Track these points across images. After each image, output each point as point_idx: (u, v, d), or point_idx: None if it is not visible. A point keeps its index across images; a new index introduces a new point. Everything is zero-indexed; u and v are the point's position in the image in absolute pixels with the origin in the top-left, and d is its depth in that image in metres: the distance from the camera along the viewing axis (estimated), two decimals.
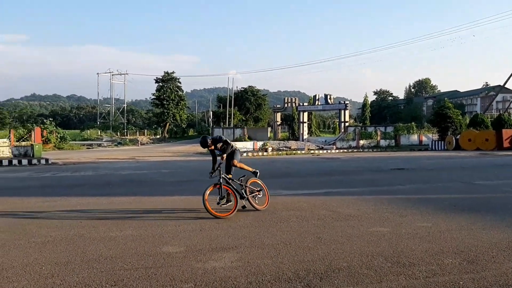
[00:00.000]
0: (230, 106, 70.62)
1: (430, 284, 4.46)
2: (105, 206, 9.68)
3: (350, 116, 70.11)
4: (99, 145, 52.28)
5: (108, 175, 17.15)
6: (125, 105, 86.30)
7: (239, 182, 8.59)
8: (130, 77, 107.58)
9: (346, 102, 52.03)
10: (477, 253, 5.52)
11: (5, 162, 23.48)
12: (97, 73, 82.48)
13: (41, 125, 41.18)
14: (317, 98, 52.52)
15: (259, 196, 8.78)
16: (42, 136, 35.46)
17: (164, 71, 71.98)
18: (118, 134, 71.46)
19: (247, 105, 76.33)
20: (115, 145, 52.87)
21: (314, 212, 8.50)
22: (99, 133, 70.01)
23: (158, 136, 72.59)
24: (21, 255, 5.65)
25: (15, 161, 23.80)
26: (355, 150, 38.80)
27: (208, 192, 7.94)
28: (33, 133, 30.45)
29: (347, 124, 51.18)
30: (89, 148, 46.00)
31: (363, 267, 5.02)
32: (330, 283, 4.53)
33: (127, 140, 60.41)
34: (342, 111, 50.39)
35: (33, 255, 5.67)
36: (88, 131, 70.94)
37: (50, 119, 56.09)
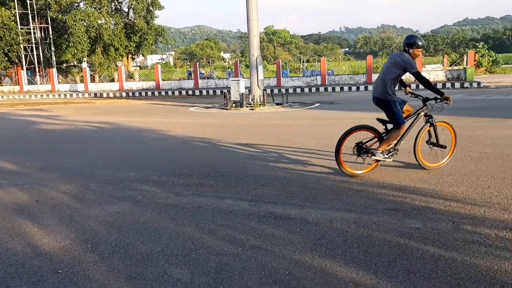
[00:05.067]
0: None
1: None
2: None
3: None
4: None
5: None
6: None
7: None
8: None
9: None
10: None
11: (439, 85, 25.22)
12: None
13: (474, 49, 40.73)
14: None
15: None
16: (474, 60, 35.17)
17: None
18: None
19: None
20: None
21: None
22: None
23: None
24: (459, 166, 6.22)
25: (448, 84, 25.02)
26: None
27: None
28: (465, 57, 30.71)
29: None
30: None
31: None
32: None
33: None
34: None
35: (470, 166, 6.13)
36: None
37: (481, 43, 54.52)
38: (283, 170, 6.40)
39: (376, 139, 5.93)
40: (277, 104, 18.01)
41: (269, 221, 4.29)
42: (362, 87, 26.44)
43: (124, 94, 31.90)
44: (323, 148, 8.00)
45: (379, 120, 6.00)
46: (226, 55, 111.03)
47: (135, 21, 40.89)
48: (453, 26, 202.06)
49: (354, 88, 26.63)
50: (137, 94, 31.45)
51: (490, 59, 41.24)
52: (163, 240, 3.92)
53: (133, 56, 46.98)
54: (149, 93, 31.09)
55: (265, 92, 17.92)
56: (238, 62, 34.06)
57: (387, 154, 5.89)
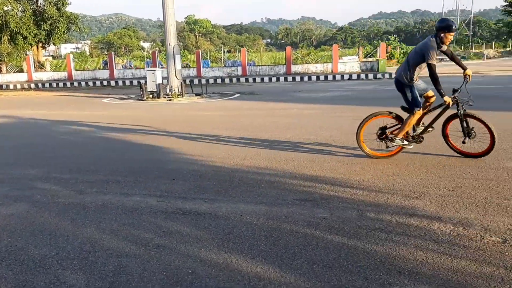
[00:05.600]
0: None
1: None
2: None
3: None
4: (441, 60, 50.73)
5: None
6: (471, 15, 79.44)
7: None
8: None
9: None
10: None
11: (354, 76, 26.23)
12: None
13: (386, 42, 43.01)
14: None
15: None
16: (387, 52, 37.10)
17: None
18: (462, 48, 67.05)
19: None
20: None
21: None
22: None
23: (508, 49, 64.13)
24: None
25: (362, 75, 26.15)
26: None
27: None
28: (378, 49, 32.30)
29: None
30: None
31: None
32: None
33: (471, 54, 56.06)
34: None
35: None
36: None
37: (394, 35, 57.82)
38: (197, 163, 6.25)
39: (399, 125, 6.06)
40: (196, 94, 17.74)
41: (177, 218, 4.12)
42: (282, 78, 26.81)
43: (33, 85, 29.76)
44: (240, 139, 7.95)
45: (403, 108, 6.10)
46: (146, 45, 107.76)
47: (45, 8, 38.18)
48: (369, 19, 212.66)
49: (274, 79, 26.93)
50: (47, 85, 29.49)
51: (402, 51, 43.70)
52: (59, 243, 3.62)
53: (44, 45, 43.91)
54: (61, 84, 29.30)
55: (183, 82, 17.55)
56: (157, 51, 33.13)
57: (408, 141, 6.01)
